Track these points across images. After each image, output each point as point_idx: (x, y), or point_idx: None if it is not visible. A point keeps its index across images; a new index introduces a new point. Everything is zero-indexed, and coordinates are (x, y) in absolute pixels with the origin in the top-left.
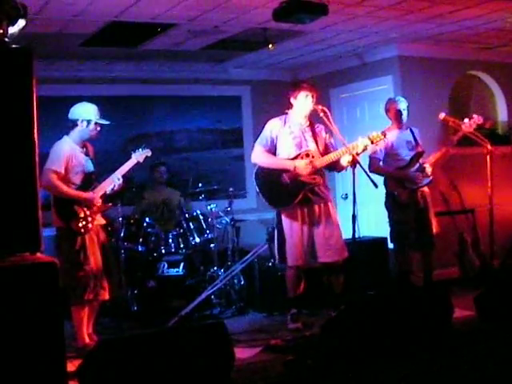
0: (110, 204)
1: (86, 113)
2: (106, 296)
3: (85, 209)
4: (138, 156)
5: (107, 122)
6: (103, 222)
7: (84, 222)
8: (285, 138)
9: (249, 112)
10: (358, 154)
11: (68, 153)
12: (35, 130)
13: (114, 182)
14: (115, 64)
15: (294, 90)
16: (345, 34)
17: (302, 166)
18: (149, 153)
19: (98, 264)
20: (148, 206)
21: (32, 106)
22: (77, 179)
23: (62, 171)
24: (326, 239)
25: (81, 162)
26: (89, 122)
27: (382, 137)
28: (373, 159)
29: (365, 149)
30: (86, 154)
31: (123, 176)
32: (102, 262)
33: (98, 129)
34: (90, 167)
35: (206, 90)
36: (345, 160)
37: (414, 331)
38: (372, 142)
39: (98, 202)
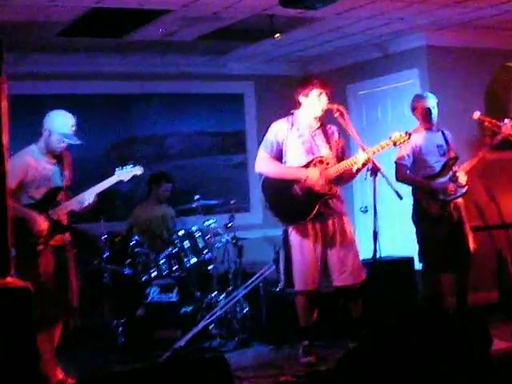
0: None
1: (52, 122)
2: (60, 325)
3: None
4: (123, 174)
5: (77, 142)
6: (67, 239)
7: (36, 242)
8: (292, 143)
9: (252, 112)
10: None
11: (24, 165)
12: (5, 134)
13: (82, 202)
14: (98, 57)
15: (304, 86)
16: (364, 21)
17: (315, 176)
18: (139, 171)
19: (52, 289)
20: (142, 222)
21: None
22: (38, 193)
23: (13, 185)
24: (341, 259)
25: (44, 175)
26: (51, 132)
27: (406, 137)
28: (399, 166)
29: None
30: (59, 166)
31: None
32: (59, 286)
33: (64, 145)
34: (58, 181)
35: (202, 87)
36: (360, 159)
37: (446, 366)
38: (394, 144)
39: (62, 219)
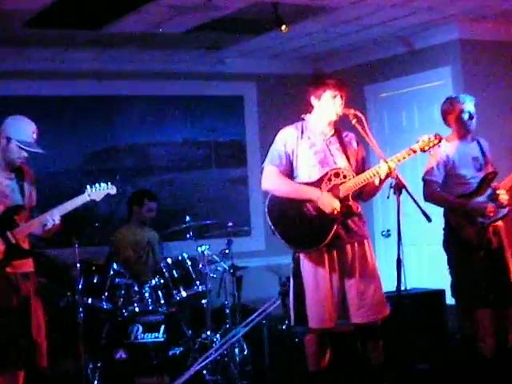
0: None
1: (10, 129)
2: (22, 371)
3: None
4: (94, 193)
5: (38, 151)
6: (29, 267)
7: None
8: (304, 154)
9: (254, 118)
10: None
11: None
12: None
13: (44, 224)
14: (72, 52)
15: (316, 87)
16: (385, 11)
17: (327, 202)
18: (112, 190)
19: (9, 326)
20: (123, 248)
21: None
22: None
23: None
24: (361, 292)
25: (1, 192)
26: (9, 140)
27: (436, 141)
28: (428, 182)
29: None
30: (18, 181)
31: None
32: (20, 323)
33: (24, 154)
34: (17, 199)
35: (194, 88)
36: (383, 170)
37: None
38: (423, 150)
39: (22, 242)
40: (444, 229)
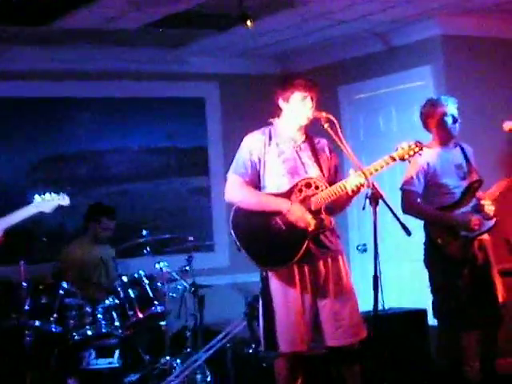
0: None
1: None
2: None
3: None
4: (44, 204)
5: None
6: None
7: None
8: (272, 162)
9: (217, 122)
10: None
11: None
12: None
13: None
14: (13, 51)
15: (284, 89)
16: (360, 5)
17: (298, 214)
18: (65, 201)
19: None
20: (74, 265)
21: None
22: None
23: None
24: (336, 312)
25: None
26: None
27: (417, 149)
28: (407, 193)
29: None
30: None
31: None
32: None
33: None
34: None
35: (152, 90)
36: (352, 184)
37: None
38: (401, 159)
39: None
40: (425, 243)
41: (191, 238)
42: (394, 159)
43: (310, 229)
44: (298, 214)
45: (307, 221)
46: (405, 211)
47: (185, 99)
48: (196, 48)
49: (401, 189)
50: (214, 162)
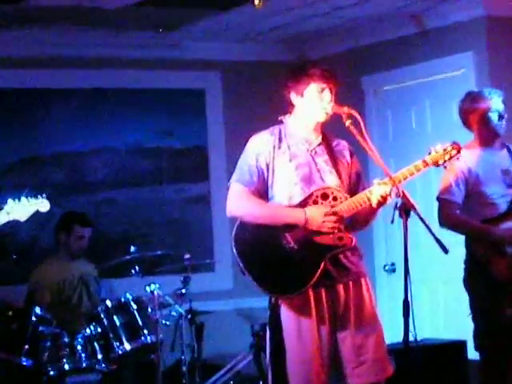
0: None
1: None
2: None
3: None
4: (18, 210)
5: None
6: None
7: None
8: (282, 168)
9: (219, 118)
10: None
11: None
12: None
13: None
14: None
15: (297, 79)
16: None
17: (319, 217)
18: (44, 206)
19: None
20: (49, 288)
21: None
22: None
23: None
24: (358, 345)
25: None
26: None
27: (454, 152)
28: (445, 203)
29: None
30: None
31: None
32: None
33: None
34: None
35: (143, 80)
36: (377, 193)
37: None
38: (436, 164)
39: None
40: (465, 262)
41: (188, 256)
42: (426, 164)
43: (324, 230)
44: (318, 217)
45: (329, 226)
46: (442, 224)
47: (181, 91)
48: (194, 31)
49: (437, 198)
50: (215, 165)
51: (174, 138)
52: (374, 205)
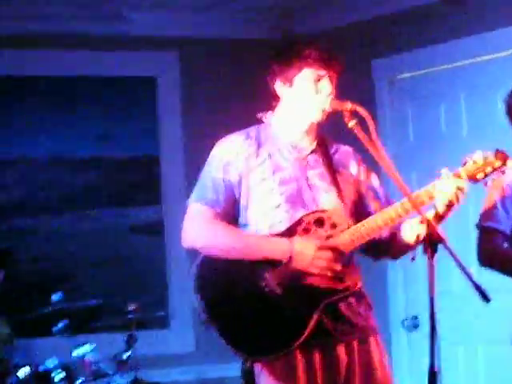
0: None
1: None
2: None
3: None
4: None
5: None
6: None
7: None
8: (261, 184)
9: (175, 116)
10: (441, 218)
11: None
12: None
13: None
14: None
15: (284, 63)
16: None
17: (309, 252)
18: None
19: None
20: None
21: None
22: None
23: None
24: None
25: None
26: None
27: (498, 163)
28: (487, 233)
29: (453, 201)
30: None
31: None
32: None
33: None
34: None
35: (68, 64)
36: (414, 230)
37: None
38: (473, 178)
39: None
40: None
41: (133, 307)
42: (459, 178)
43: (316, 270)
44: (307, 256)
45: (323, 264)
46: (483, 262)
47: (123, 79)
48: None
49: (477, 226)
50: (169, 182)
51: (113, 145)
52: (442, 207)
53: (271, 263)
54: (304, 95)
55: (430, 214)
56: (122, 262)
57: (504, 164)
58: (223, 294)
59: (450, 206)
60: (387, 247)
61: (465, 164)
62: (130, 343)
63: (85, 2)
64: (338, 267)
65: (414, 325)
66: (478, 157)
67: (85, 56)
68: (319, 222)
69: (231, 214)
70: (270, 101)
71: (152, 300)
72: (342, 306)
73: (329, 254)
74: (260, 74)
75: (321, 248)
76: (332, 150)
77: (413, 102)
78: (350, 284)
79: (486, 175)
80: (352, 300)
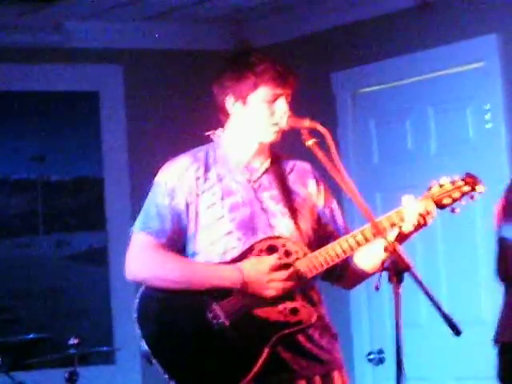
0: None
1: None
2: None
3: None
4: None
5: None
6: None
7: None
8: (210, 210)
9: (119, 135)
10: (404, 238)
11: None
12: None
13: None
14: None
15: (239, 77)
16: None
17: (262, 273)
18: None
19: None
20: None
21: None
22: None
23: None
24: None
25: None
26: None
27: (466, 188)
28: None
29: (421, 223)
30: None
31: None
32: None
33: None
34: None
35: (5, 79)
36: (377, 256)
37: None
38: (439, 204)
39: None
40: (498, 346)
41: (75, 341)
42: (424, 205)
43: (269, 294)
44: (262, 278)
45: (281, 279)
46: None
47: (62, 95)
48: (82, 5)
49: (498, 240)
50: (114, 206)
51: (51, 166)
52: (408, 229)
53: (220, 293)
54: (259, 116)
55: (393, 235)
56: (62, 293)
57: (473, 189)
58: (166, 327)
59: (417, 228)
60: (339, 275)
61: (430, 188)
62: (71, 380)
63: (20, 11)
64: (297, 297)
65: (380, 359)
66: (444, 181)
67: (20, 69)
68: (272, 250)
69: (178, 242)
70: (218, 117)
71: (96, 334)
72: (302, 339)
73: (284, 273)
74: (210, 89)
75: (274, 268)
76: (287, 169)
77: (377, 117)
78: (304, 317)
79: (453, 201)
80: (313, 332)
